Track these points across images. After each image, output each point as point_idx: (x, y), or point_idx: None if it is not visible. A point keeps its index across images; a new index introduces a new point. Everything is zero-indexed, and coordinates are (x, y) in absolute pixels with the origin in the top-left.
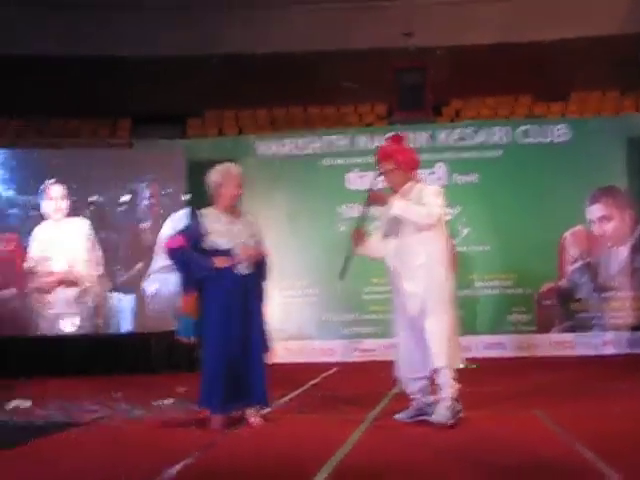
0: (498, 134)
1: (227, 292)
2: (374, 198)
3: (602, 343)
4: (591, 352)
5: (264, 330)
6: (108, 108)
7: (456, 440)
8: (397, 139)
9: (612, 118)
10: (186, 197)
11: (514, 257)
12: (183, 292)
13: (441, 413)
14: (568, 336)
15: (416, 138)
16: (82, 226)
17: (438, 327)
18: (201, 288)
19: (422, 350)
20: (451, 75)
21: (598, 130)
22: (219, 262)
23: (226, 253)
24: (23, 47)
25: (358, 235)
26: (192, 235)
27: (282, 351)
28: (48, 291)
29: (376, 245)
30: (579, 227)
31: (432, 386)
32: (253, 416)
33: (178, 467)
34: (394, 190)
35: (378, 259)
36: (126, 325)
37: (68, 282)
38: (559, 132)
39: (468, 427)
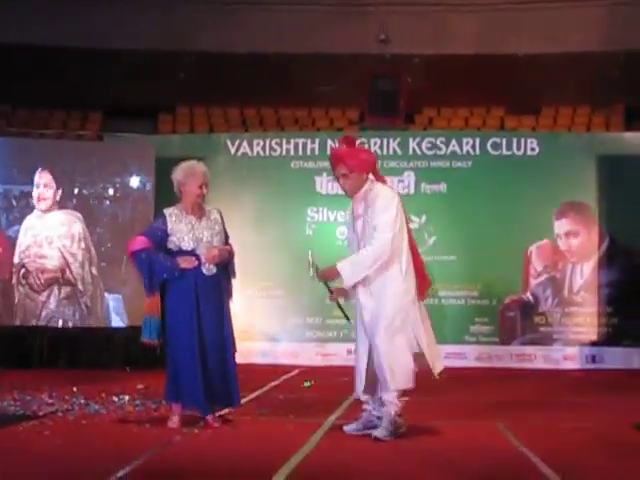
0: (468, 145)
1: (193, 292)
2: (323, 277)
3: (563, 357)
4: (552, 366)
5: (232, 328)
6: (79, 100)
7: (416, 446)
8: (347, 141)
9: (583, 135)
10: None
11: (479, 268)
12: (147, 294)
13: (383, 427)
14: (529, 349)
15: (386, 145)
16: (74, 220)
17: (387, 345)
18: (164, 289)
19: (375, 366)
20: (425, 84)
21: (568, 146)
22: (184, 263)
23: (191, 253)
24: None
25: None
26: (155, 236)
27: (245, 352)
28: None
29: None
30: (545, 241)
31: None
32: (211, 416)
33: (133, 465)
34: (350, 195)
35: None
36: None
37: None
38: (529, 146)
39: (430, 434)
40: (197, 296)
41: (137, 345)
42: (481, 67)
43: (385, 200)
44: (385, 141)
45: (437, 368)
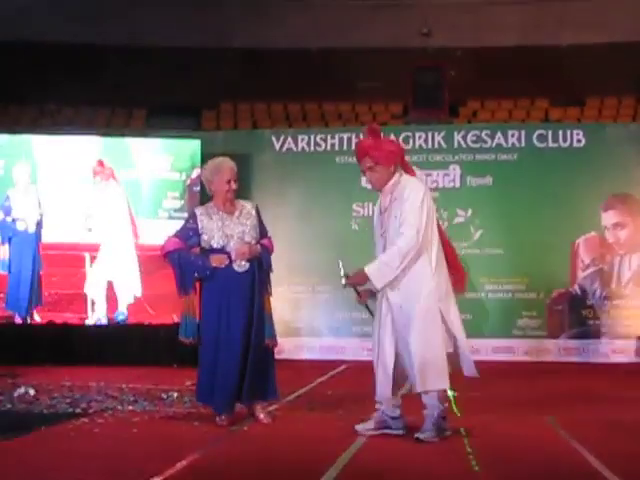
0: (514, 137)
1: (225, 290)
2: (353, 283)
3: (611, 351)
4: (599, 359)
5: (269, 324)
6: (123, 98)
7: (466, 444)
8: (372, 132)
9: (629, 125)
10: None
11: (526, 261)
12: (183, 293)
13: (426, 430)
14: (578, 342)
15: (431, 138)
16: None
17: (418, 344)
18: (200, 288)
19: (403, 365)
20: (468, 76)
21: (615, 137)
22: (214, 261)
23: (222, 251)
24: (39, 34)
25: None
26: (187, 235)
27: (291, 348)
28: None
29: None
30: (592, 233)
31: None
32: (262, 413)
33: (184, 463)
34: (377, 188)
35: None
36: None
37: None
38: (575, 137)
39: (479, 430)
40: (229, 293)
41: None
42: (525, 58)
43: (411, 193)
44: (430, 135)
45: (471, 373)
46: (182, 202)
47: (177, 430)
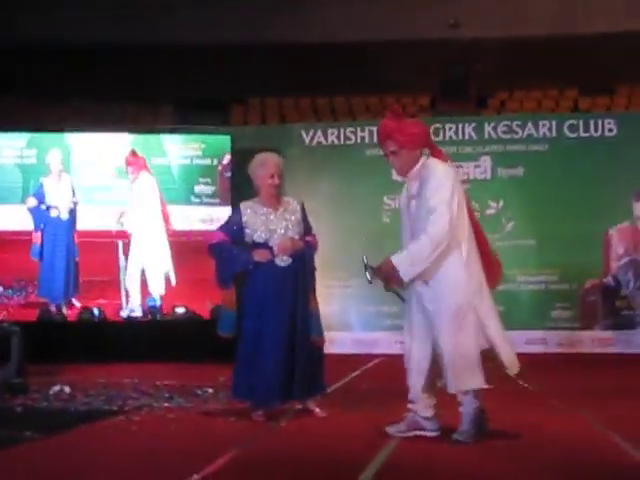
0: (545, 127)
1: (267, 285)
2: (381, 275)
3: None
4: (634, 350)
5: (315, 321)
6: (150, 93)
7: (502, 440)
8: (394, 115)
9: None
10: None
11: (558, 252)
12: (223, 287)
13: (463, 430)
14: (611, 333)
15: (461, 130)
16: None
17: (450, 341)
18: (241, 282)
19: (433, 362)
20: (496, 67)
21: None
22: (257, 255)
23: (265, 245)
24: (66, 32)
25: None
26: (231, 229)
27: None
28: None
29: None
30: (625, 223)
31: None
32: (316, 407)
33: (223, 459)
34: (402, 174)
35: None
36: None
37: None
38: (607, 127)
39: (515, 425)
40: (271, 288)
41: (213, 337)
42: (552, 48)
43: (438, 178)
44: (460, 126)
45: (512, 368)
46: (214, 188)
47: (214, 426)
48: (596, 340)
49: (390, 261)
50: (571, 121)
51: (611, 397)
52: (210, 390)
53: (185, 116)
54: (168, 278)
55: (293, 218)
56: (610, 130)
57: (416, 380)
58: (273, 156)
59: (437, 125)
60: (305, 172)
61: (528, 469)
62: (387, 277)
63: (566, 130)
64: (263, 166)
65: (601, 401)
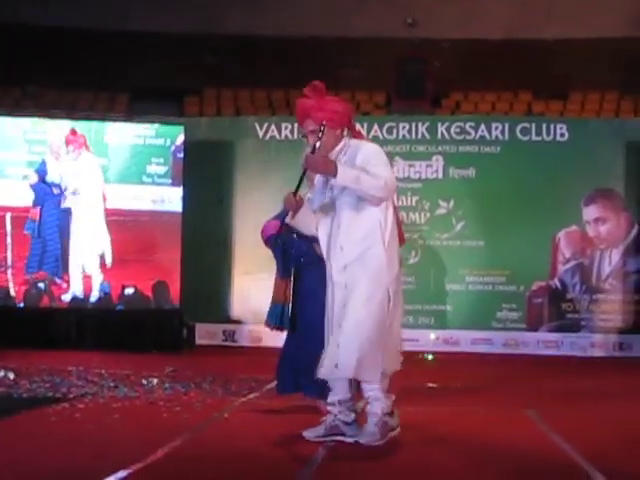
0: (497, 129)
1: (325, 279)
2: (314, 165)
3: (590, 345)
4: (578, 353)
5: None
6: (106, 82)
7: (443, 437)
8: (315, 91)
9: (613, 120)
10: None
11: (507, 254)
12: (281, 276)
13: (369, 432)
14: (556, 336)
15: (415, 129)
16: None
17: (361, 329)
18: (297, 275)
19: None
20: (452, 68)
21: (598, 131)
22: (319, 247)
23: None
24: (21, 16)
25: (290, 201)
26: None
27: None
28: None
29: (304, 219)
30: (573, 227)
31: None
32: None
33: (165, 449)
34: (322, 154)
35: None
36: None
37: None
38: (559, 131)
39: (458, 424)
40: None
41: (163, 327)
42: (509, 52)
43: (376, 151)
44: (414, 125)
45: (389, 368)
46: (166, 168)
47: (158, 416)
48: (541, 342)
49: (333, 161)
50: (524, 124)
51: (555, 398)
52: (155, 380)
53: (140, 105)
54: (103, 259)
55: None
56: (562, 135)
57: (341, 382)
58: None
59: (391, 124)
60: (258, 165)
61: (472, 469)
62: (317, 168)
63: (518, 133)
64: None
65: (544, 400)
